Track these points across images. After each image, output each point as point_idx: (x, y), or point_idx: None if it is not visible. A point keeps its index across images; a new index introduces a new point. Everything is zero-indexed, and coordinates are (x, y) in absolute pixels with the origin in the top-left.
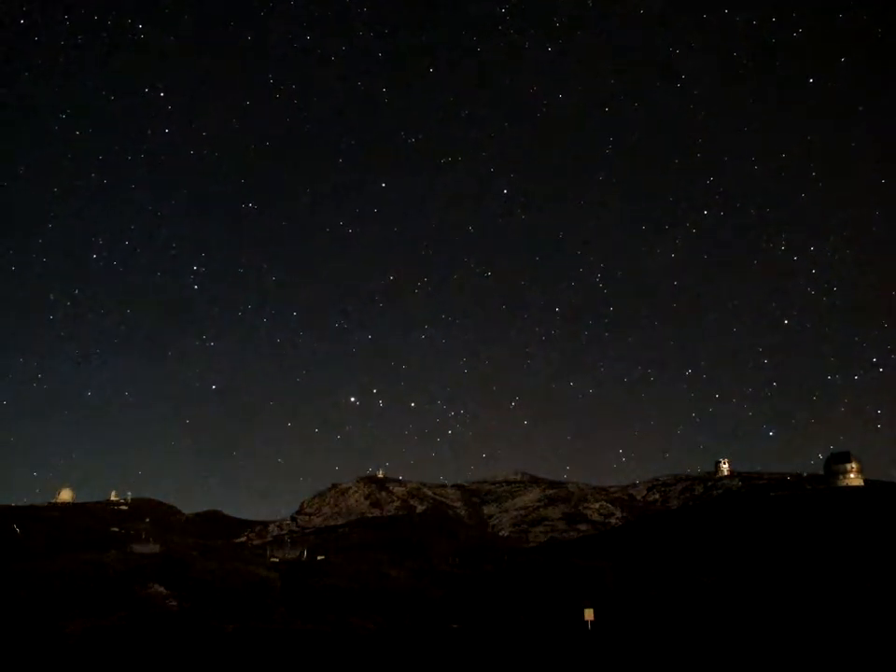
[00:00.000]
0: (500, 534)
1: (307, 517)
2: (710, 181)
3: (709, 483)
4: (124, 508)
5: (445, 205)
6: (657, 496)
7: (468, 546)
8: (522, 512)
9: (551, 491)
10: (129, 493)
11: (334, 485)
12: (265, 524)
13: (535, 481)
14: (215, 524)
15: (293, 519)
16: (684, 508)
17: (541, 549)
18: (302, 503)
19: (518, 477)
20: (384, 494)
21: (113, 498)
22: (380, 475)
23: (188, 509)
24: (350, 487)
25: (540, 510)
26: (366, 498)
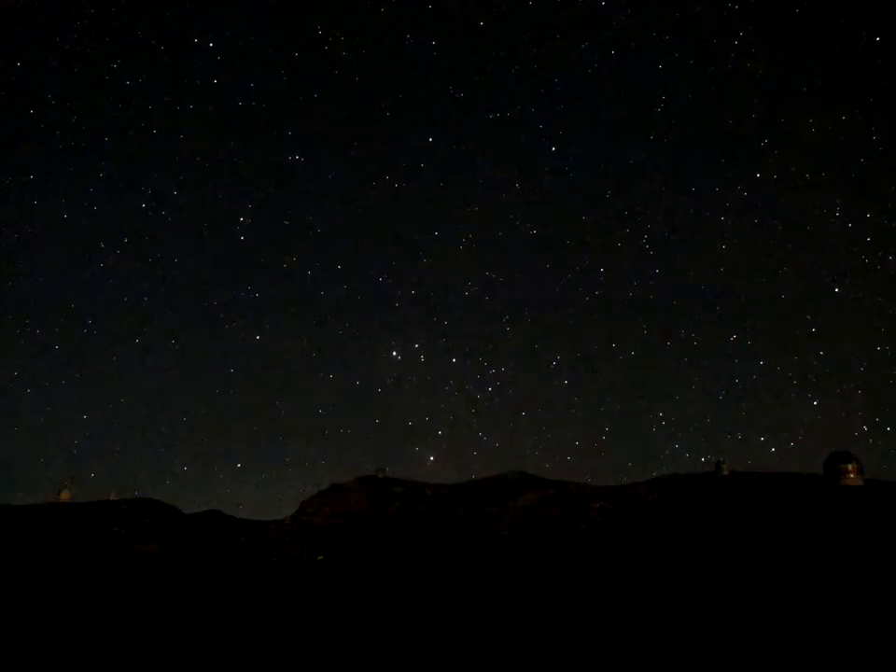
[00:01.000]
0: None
1: (308, 517)
2: (764, 143)
3: (710, 483)
4: (124, 508)
5: (492, 162)
6: (657, 495)
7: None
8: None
9: (551, 490)
10: (136, 492)
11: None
12: (266, 523)
13: (528, 479)
14: (215, 524)
15: (293, 519)
16: (685, 506)
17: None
18: (302, 503)
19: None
20: (384, 493)
21: (113, 498)
22: (381, 476)
23: (188, 508)
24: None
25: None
26: (366, 499)
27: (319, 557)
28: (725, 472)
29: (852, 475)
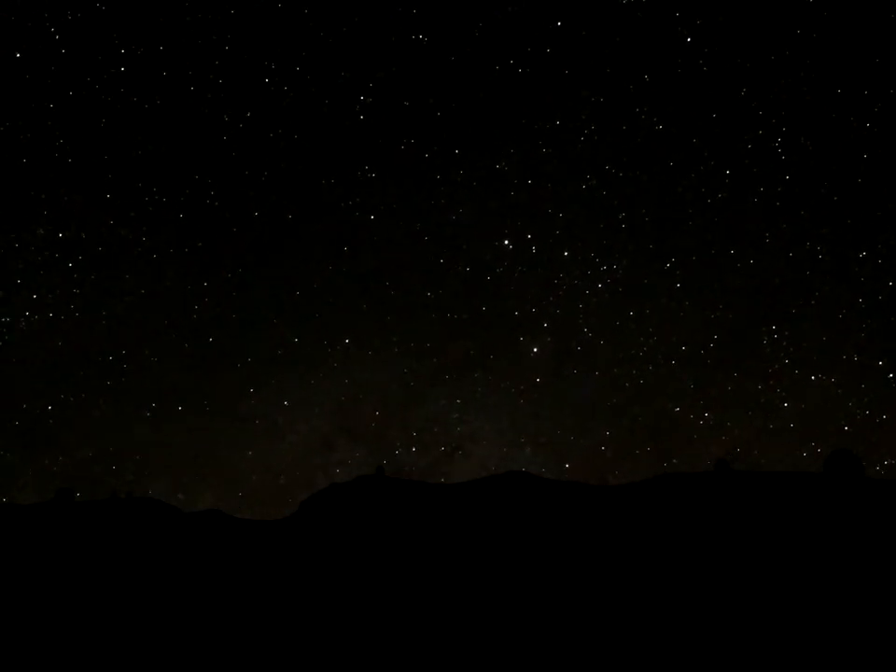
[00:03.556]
0: None
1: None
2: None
3: (710, 482)
4: (126, 505)
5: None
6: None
7: None
8: None
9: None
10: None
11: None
12: (266, 523)
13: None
14: (215, 524)
15: (293, 518)
16: (685, 505)
17: None
18: (302, 503)
19: None
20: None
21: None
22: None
23: (188, 508)
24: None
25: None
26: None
27: (319, 557)
28: (726, 471)
29: (853, 474)
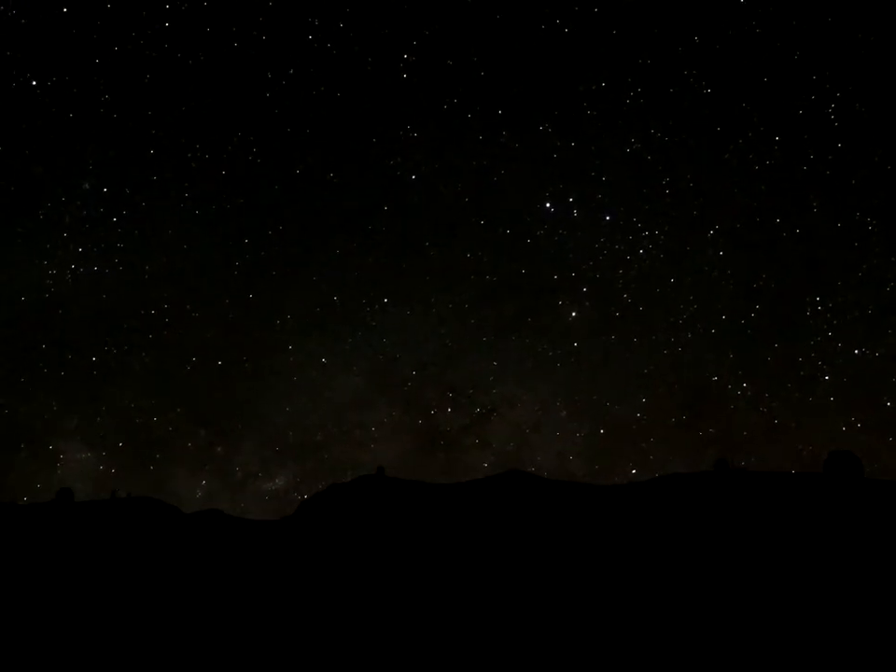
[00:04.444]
0: None
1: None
2: None
3: (710, 482)
4: (126, 505)
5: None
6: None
7: None
8: None
9: None
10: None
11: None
12: (266, 523)
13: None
14: (215, 524)
15: (293, 518)
16: (685, 505)
17: None
18: (301, 503)
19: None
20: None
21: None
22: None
23: (188, 508)
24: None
25: None
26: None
27: (319, 557)
28: (725, 471)
29: (853, 475)
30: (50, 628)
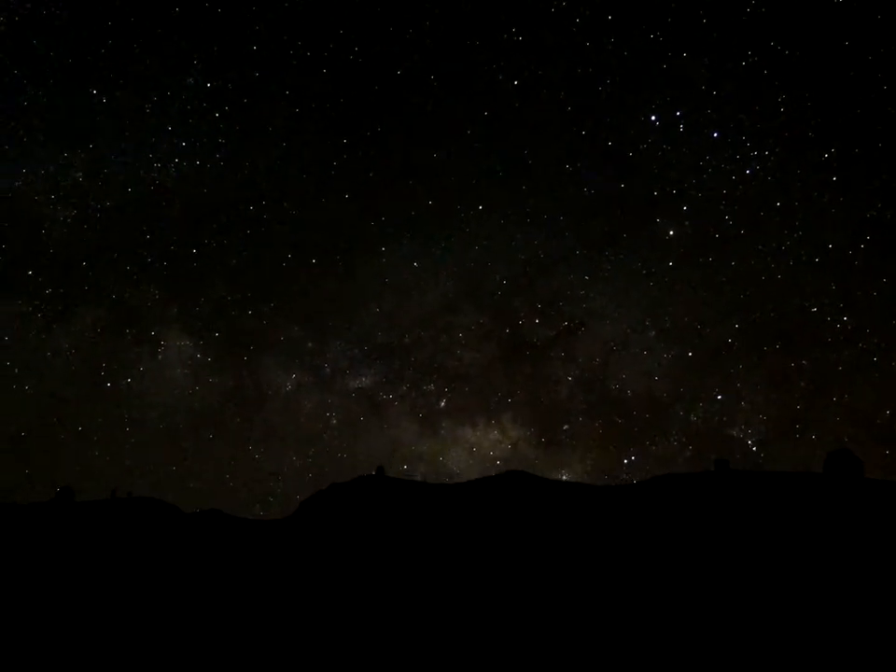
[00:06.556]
0: None
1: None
2: None
3: (711, 482)
4: (126, 505)
5: None
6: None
7: None
8: None
9: None
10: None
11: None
12: (266, 523)
13: None
14: (215, 523)
15: (293, 518)
16: (685, 505)
17: None
18: (301, 503)
19: None
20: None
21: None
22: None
23: (188, 508)
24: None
25: None
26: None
27: (319, 557)
28: (725, 471)
29: (852, 475)
30: (50, 628)
